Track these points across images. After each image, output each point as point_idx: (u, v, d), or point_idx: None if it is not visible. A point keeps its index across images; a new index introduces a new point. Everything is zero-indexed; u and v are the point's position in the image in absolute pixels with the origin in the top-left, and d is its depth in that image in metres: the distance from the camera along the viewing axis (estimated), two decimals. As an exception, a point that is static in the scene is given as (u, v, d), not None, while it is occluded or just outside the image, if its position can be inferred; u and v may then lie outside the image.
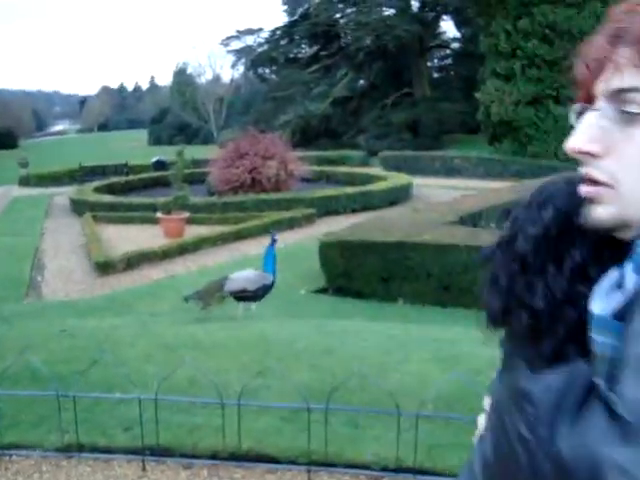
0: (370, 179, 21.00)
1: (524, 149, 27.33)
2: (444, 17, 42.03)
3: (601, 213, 0.82)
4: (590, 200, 0.84)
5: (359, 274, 9.01)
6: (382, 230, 9.76)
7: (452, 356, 4.35)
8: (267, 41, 43.87)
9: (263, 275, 7.13)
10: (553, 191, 0.93)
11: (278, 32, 42.67)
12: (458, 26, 42.00)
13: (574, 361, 0.81)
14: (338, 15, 39.94)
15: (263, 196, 16.71)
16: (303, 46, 43.20)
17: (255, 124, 27.19)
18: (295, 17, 41.77)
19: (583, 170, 0.84)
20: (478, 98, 28.61)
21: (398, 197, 18.77)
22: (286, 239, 12.76)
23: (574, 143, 0.82)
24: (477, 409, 3.63)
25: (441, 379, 3.66)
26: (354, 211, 16.62)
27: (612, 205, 0.81)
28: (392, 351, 4.56)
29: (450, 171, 26.74)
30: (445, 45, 44.84)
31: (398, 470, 3.19)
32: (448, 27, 60.80)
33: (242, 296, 7.09)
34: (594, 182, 0.82)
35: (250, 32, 46.13)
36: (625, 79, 0.79)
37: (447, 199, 14.90)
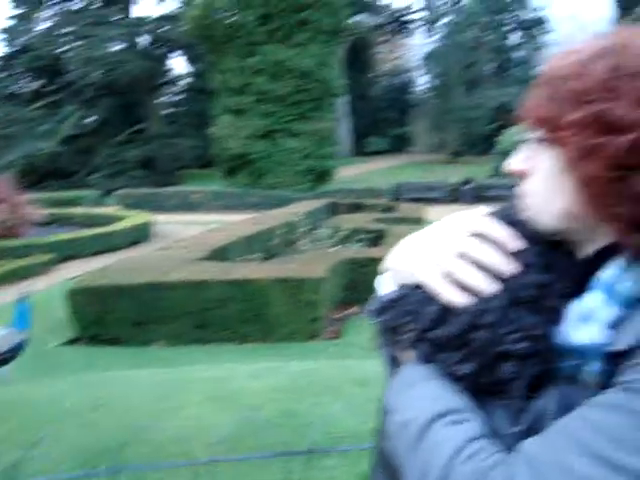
0: (109, 219, 20.25)
1: (259, 181, 28.37)
2: (175, 53, 42.30)
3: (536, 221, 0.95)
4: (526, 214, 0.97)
5: (113, 320, 8.64)
6: (131, 272, 9.47)
7: (228, 394, 4.35)
8: (-19, 74, 40.67)
9: (11, 333, 6.54)
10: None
11: (-5, 64, 39.83)
12: (189, 62, 42.56)
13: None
14: (64, 48, 38.26)
15: (-7, 244, 15.37)
16: (24, 81, 40.69)
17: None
18: (15, 48, 39.17)
19: (518, 188, 0.99)
20: (212, 133, 29.17)
21: (140, 236, 18.36)
22: (26, 289, 11.82)
23: (508, 165, 0.98)
24: (260, 446, 3.66)
25: (221, 420, 3.65)
26: (95, 254, 15.93)
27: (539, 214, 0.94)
28: (165, 398, 4.43)
29: (189, 206, 26.77)
30: (177, 81, 45.12)
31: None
32: (179, 63, 61.23)
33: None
34: (524, 197, 0.97)
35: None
36: (542, 111, 0.92)
37: (193, 235, 14.90)
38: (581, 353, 0.86)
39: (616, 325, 0.84)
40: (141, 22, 39.71)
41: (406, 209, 19.54)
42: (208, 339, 8.49)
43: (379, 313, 0.99)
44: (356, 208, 20.08)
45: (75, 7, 40.12)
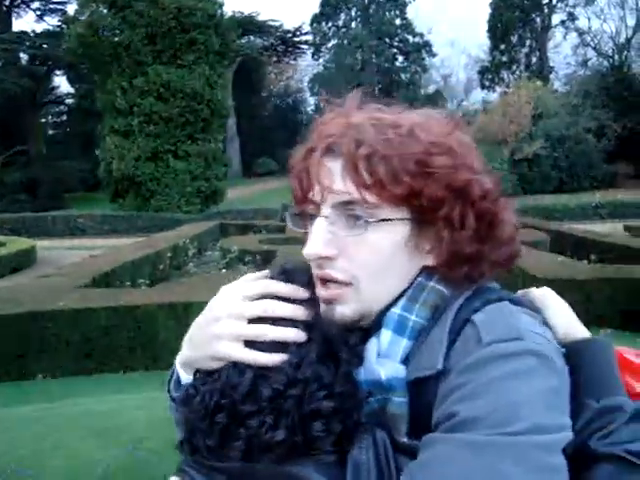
0: (-13, 245, 19.33)
1: (147, 204, 27.93)
2: (57, 72, 41.01)
3: (344, 311, 0.95)
4: (329, 302, 0.95)
5: (-11, 353, 8.22)
6: (11, 301, 9.06)
7: (111, 428, 4.24)
8: None
9: None
10: None
11: None
12: (72, 82, 41.39)
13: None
14: None
15: None
16: None
17: None
18: None
19: (319, 273, 0.96)
20: (98, 155, 28.49)
21: (22, 263, 17.59)
22: None
23: (312, 249, 0.95)
24: (148, 477, 3.60)
25: (106, 454, 3.55)
26: (-28, 281, 15.15)
27: (353, 302, 0.95)
28: (44, 436, 4.27)
29: (74, 231, 25.94)
30: (60, 101, 43.73)
31: None
32: (62, 82, 59.43)
33: None
34: (334, 282, 0.95)
35: None
36: (343, 189, 0.93)
37: (76, 261, 14.43)
38: (387, 387, 0.92)
39: (408, 358, 0.93)
40: (22, 38, 38.28)
41: (295, 230, 19.68)
42: (93, 369, 8.23)
43: (185, 403, 0.95)
44: (245, 229, 20.06)
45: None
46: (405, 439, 0.92)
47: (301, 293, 0.95)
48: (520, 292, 1.10)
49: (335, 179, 0.95)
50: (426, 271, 0.98)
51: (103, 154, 28.09)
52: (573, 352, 0.97)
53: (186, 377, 1.01)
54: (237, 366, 0.90)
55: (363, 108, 1.02)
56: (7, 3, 38.87)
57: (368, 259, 0.94)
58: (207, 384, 0.93)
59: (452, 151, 0.95)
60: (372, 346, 0.95)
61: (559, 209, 25.12)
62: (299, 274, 0.98)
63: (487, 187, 0.96)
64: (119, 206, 28.59)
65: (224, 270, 11.88)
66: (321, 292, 0.96)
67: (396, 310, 0.95)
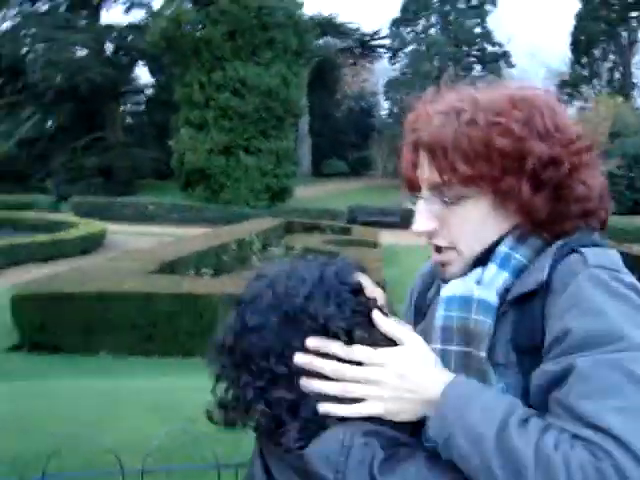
0: (61, 226, 19.99)
1: (216, 196, 28.30)
2: (139, 63, 42.06)
3: (452, 270, 1.16)
4: (442, 264, 1.18)
5: (58, 328, 8.57)
6: (80, 281, 9.42)
7: (167, 406, 4.40)
8: (-64, 70, 39.81)
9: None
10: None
11: (-46, 61, 39.00)
12: (152, 73, 42.35)
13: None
14: (25, 49, 37.76)
15: (-61, 244, 15.06)
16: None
17: None
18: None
19: (429, 242, 1.17)
20: (172, 145, 29.06)
21: (92, 245, 18.18)
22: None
23: (418, 226, 1.16)
24: (194, 457, 3.74)
25: (159, 431, 3.69)
26: (46, 259, 15.71)
27: (458, 262, 1.15)
28: (104, 407, 4.47)
29: (144, 217, 26.48)
30: (139, 91, 44.80)
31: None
32: (143, 73, 60.89)
33: None
34: (440, 250, 1.16)
35: None
36: (430, 175, 1.14)
37: (145, 246, 14.82)
38: (474, 306, 1.08)
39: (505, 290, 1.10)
40: (109, 29, 39.46)
41: (360, 232, 19.74)
42: (153, 351, 8.48)
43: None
44: (311, 228, 20.21)
45: (42, 9, 39.76)
46: (484, 354, 1.06)
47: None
48: None
49: (425, 168, 1.15)
50: (520, 226, 1.13)
51: (177, 145, 28.68)
52: None
53: None
54: None
55: (441, 97, 1.18)
56: (98, -3, 40.09)
57: (462, 228, 1.13)
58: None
59: (513, 127, 1.08)
60: (473, 274, 1.13)
61: (631, 231, 24.36)
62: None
63: (554, 153, 1.09)
64: (189, 196, 29.13)
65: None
66: (435, 257, 1.19)
67: (504, 248, 1.12)
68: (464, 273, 1.14)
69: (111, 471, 3.18)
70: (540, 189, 1.08)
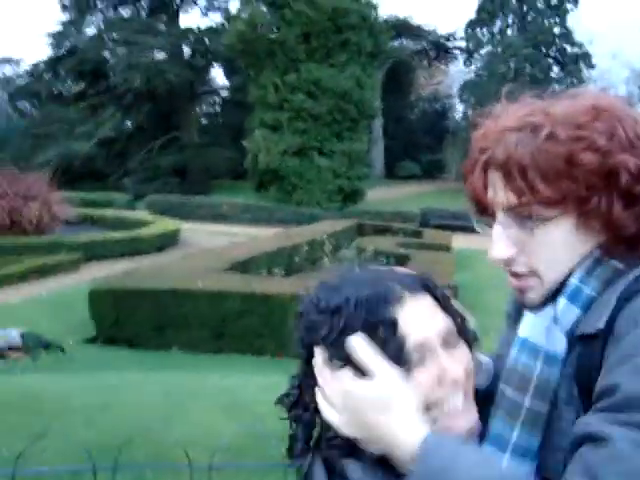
0: (137, 223, 20.51)
1: (289, 197, 28.50)
2: (214, 65, 42.87)
3: (532, 297, 1.08)
4: (520, 291, 1.10)
5: (131, 322, 8.77)
6: (154, 277, 9.62)
7: (236, 404, 4.41)
8: (29, 74, 41.52)
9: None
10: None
11: (42, 65, 40.62)
12: (227, 75, 43.08)
13: None
14: (107, 54, 39.05)
15: (23, 239, 15.63)
16: (69, 82, 41.49)
17: (12, 162, 25.42)
18: (61, 51, 40.00)
19: (506, 269, 1.09)
20: (246, 146, 29.41)
21: (166, 242, 18.56)
22: (49, 286, 12.06)
23: (497, 254, 1.08)
24: (265, 456, 3.69)
25: (228, 428, 3.70)
26: (122, 256, 16.13)
27: (538, 288, 1.07)
28: (174, 402, 4.51)
29: (217, 217, 26.87)
30: (215, 92, 45.64)
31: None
32: (218, 75, 62.07)
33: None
34: (518, 276, 1.07)
35: (7, 61, 43.41)
36: (504, 197, 1.05)
37: (217, 245, 15.03)
38: (549, 359, 1.03)
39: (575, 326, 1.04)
40: (186, 33, 40.37)
41: (432, 236, 19.51)
42: (224, 349, 8.57)
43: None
44: (382, 231, 20.09)
45: (124, 14, 41.08)
46: (529, 402, 1.02)
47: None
48: None
49: (497, 190, 1.06)
50: (601, 247, 1.05)
51: (251, 146, 29.00)
52: None
53: None
54: None
55: (508, 112, 1.09)
56: (178, 1, 41.03)
57: (543, 253, 1.05)
58: None
59: (598, 140, 0.99)
60: (548, 310, 1.06)
61: None
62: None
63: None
64: (262, 197, 29.41)
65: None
66: (513, 282, 1.10)
67: (574, 280, 1.05)
68: (544, 299, 1.07)
69: (180, 465, 3.20)
70: (632, 204, 1.00)
